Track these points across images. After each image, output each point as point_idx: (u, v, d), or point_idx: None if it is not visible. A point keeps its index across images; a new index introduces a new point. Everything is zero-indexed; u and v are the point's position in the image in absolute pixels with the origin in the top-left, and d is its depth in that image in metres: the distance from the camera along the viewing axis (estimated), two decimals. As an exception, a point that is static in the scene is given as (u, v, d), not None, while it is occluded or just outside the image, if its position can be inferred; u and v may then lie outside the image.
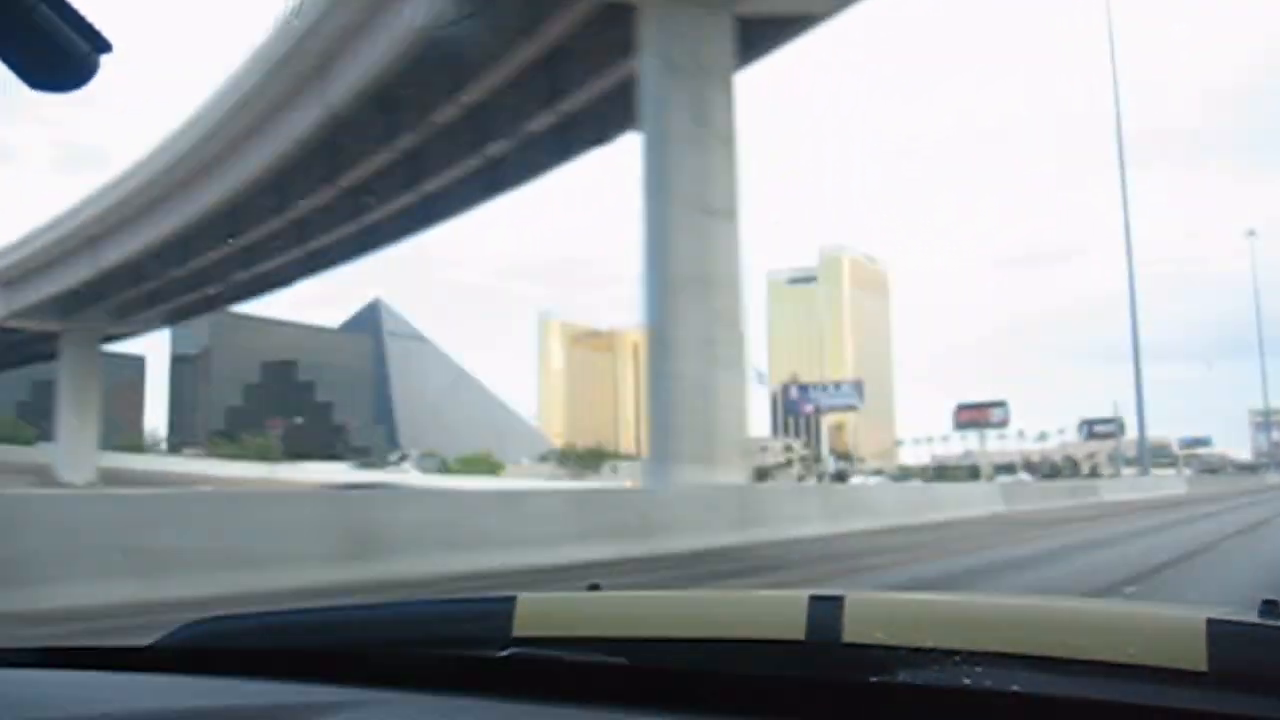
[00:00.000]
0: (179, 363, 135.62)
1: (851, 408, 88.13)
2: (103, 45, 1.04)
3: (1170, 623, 0.97)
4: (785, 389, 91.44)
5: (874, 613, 1.03)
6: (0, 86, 1.08)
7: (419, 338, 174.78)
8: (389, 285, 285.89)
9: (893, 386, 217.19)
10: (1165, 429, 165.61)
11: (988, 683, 0.88)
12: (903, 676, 0.92)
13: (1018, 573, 10.46)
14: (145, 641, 1.26)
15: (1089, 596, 6.38)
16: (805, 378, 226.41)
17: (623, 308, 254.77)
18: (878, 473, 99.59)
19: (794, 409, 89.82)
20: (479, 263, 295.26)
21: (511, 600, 1.13)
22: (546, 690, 1.02)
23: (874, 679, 0.93)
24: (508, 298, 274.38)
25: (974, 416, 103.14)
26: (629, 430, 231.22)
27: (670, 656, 1.03)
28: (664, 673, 1.02)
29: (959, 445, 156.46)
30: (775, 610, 1.10)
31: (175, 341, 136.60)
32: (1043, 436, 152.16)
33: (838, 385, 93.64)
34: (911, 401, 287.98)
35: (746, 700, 0.96)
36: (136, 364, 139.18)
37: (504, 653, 1.08)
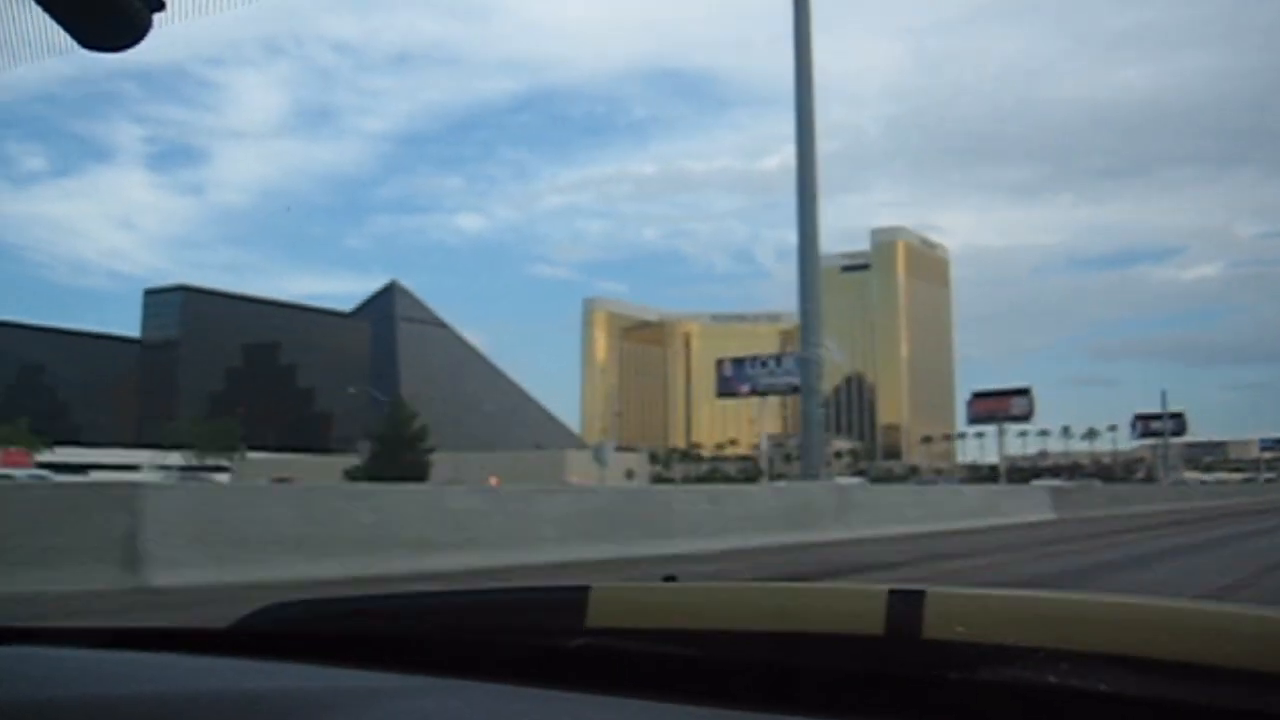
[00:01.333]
0: (151, 350, 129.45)
1: (795, 389, 75.19)
2: (155, 2, 1.01)
3: (1273, 626, 0.91)
4: (719, 365, 78.18)
5: (955, 608, 0.99)
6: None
7: (438, 323, 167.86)
8: (462, 280, 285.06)
9: (953, 380, 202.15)
10: (1252, 430, 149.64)
11: (1075, 681, 0.85)
12: (985, 673, 0.89)
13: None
14: (221, 625, 1.27)
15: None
16: (861, 374, 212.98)
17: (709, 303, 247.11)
18: (859, 474, 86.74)
19: (728, 389, 76.63)
20: (566, 259, 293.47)
21: (585, 590, 1.11)
22: (619, 682, 1.00)
23: (955, 675, 0.90)
24: (587, 293, 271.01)
25: (991, 408, 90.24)
26: (679, 425, 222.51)
27: (746, 650, 1.01)
28: (739, 666, 1.00)
29: (1031, 443, 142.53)
30: (853, 604, 1.07)
31: (146, 327, 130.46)
32: (1091, 435, 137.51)
33: (779, 360, 77.50)
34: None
35: (824, 695, 0.93)
36: (136, 348, 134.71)
37: (576, 643, 1.06)
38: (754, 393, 74.85)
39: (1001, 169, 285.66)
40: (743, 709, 0.92)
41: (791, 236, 23.80)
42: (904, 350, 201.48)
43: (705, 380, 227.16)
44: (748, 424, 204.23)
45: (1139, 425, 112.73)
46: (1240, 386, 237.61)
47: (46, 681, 1.05)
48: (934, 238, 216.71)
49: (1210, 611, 0.95)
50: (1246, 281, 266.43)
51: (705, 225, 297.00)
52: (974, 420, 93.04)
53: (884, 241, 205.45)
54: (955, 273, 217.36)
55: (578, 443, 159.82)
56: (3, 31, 1.17)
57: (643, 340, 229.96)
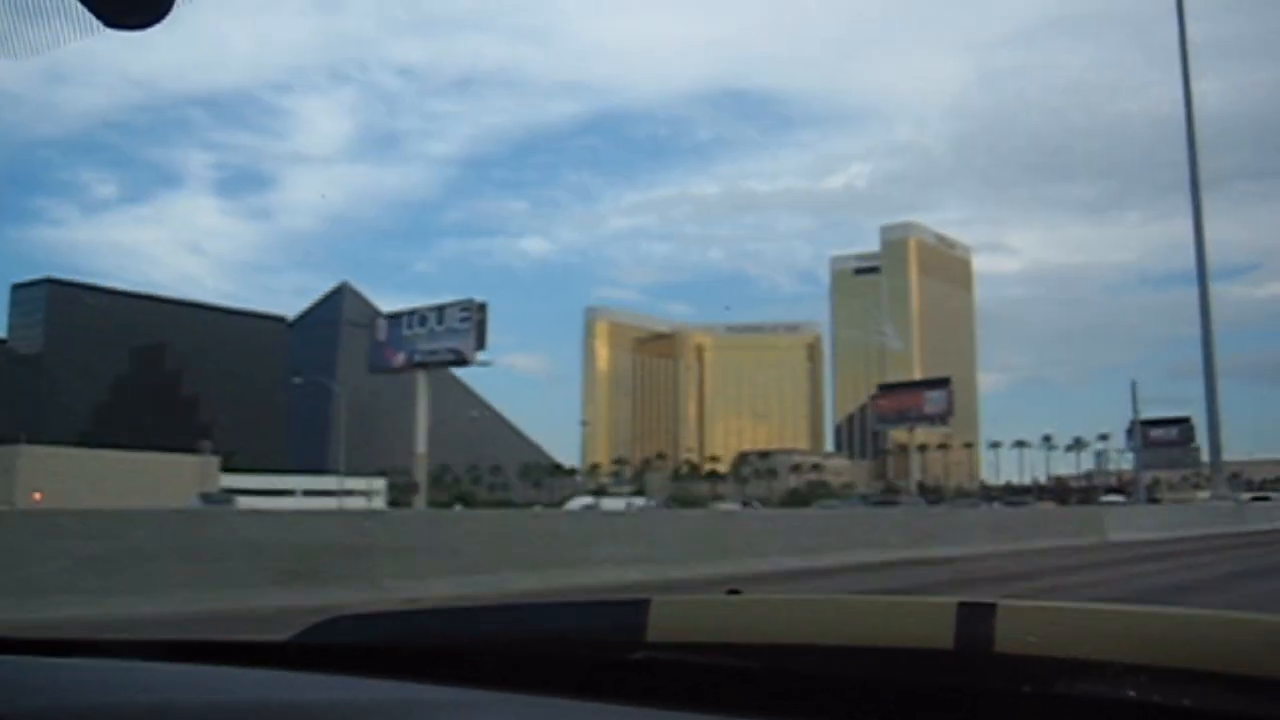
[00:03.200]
0: (13, 354, 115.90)
1: (460, 359, 58.09)
2: None
3: None
4: (372, 327, 62.05)
5: (1028, 621, 0.96)
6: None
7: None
8: (528, 303, 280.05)
9: (976, 392, 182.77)
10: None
11: (1155, 696, 0.82)
12: (1061, 687, 0.86)
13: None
14: (281, 638, 1.28)
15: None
16: (875, 384, 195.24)
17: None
18: (637, 494, 70.38)
19: (381, 361, 60.41)
20: (633, 281, 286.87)
21: (645, 603, 1.10)
22: (679, 695, 0.99)
23: (1029, 689, 0.87)
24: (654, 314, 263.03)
25: (900, 405, 74.26)
26: (691, 442, 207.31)
27: (811, 663, 0.99)
28: (803, 680, 0.98)
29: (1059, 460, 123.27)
30: (922, 617, 1.04)
31: (12, 326, 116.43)
32: (1078, 444, 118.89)
33: (440, 314, 60.03)
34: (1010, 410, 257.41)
35: (890, 710, 0.92)
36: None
37: (636, 656, 1.05)
38: (411, 365, 58.95)
39: (1070, 186, 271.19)
40: None
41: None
42: (916, 358, 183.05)
43: (719, 394, 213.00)
44: (764, 438, 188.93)
45: (1135, 434, 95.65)
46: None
47: (111, 691, 1.05)
48: (1003, 255, 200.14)
49: None
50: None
51: (770, 246, 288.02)
52: (881, 420, 76.86)
53: (894, 239, 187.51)
54: (1021, 291, 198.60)
55: (546, 459, 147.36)
56: (28, 11, 1.15)
57: (654, 353, 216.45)
